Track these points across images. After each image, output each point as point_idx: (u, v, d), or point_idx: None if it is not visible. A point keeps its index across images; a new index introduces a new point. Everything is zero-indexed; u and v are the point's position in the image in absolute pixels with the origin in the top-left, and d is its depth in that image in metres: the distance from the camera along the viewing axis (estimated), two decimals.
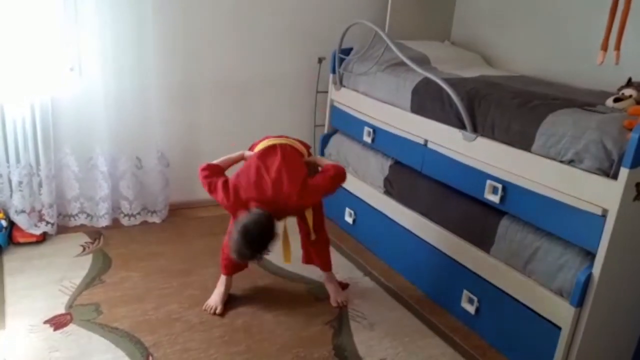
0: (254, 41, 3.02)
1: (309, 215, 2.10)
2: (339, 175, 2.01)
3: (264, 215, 1.80)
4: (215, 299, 2.17)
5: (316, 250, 2.26)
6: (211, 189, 1.93)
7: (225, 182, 1.91)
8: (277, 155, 1.97)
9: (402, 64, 2.50)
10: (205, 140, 3.06)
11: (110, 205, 2.76)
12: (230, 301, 2.20)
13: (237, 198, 1.87)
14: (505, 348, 2.02)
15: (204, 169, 1.97)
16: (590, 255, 1.71)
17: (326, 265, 2.30)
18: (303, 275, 2.45)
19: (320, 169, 2.09)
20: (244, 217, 1.79)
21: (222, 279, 2.22)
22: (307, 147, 2.21)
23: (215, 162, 2.03)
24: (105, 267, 2.41)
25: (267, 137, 2.13)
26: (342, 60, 2.92)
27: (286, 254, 2.12)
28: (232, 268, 2.21)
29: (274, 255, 2.59)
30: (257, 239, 1.78)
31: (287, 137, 2.15)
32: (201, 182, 1.96)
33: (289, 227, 2.10)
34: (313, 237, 2.13)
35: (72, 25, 2.52)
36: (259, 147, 2.06)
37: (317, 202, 2.14)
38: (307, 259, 2.32)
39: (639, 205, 1.65)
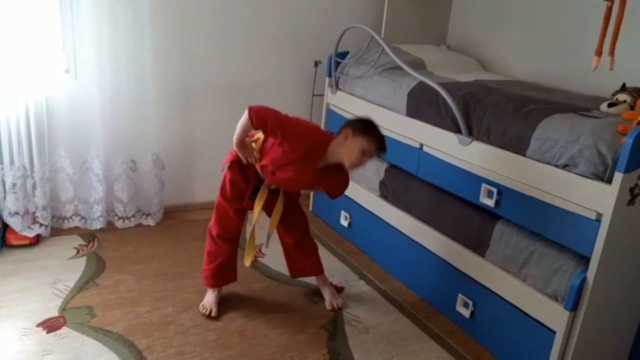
0: (251, 44, 3.02)
1: (279, 205, 2.08)
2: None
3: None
4: (209, 301, 2.16)
5: (304, 256, 2.26)
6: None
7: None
8: None
9: (398, 67, 2.50)
10: (201, 142, 3.06)
11: (105, 208, 2.75)
12: (225, 304, 2.20)
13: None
14: (500, 352, 2.02)
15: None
16: (585, 260, 1.72)
17: (318, 268, 2.30)
18: (298, 279, 2.44)
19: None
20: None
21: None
22: None
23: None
24: (99, 269, 2.40)
25: None
26: (338, 63, 2.93)
27: (248, 254, 2.13)
28: (217, 280, 2.17)
29: (269, 258, 2.60)
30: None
31: None
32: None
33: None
34: (270, 230, 2.10)
35: (68, 27, 2.51)
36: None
37: (294, 203, 2.16)
38: (295, 272, 2.32)
39: (633, 210, 1.66)
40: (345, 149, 1.85)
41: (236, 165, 2.04)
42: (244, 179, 2.06)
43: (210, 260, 2.17)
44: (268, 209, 2.12)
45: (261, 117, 1.84)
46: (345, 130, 1.86)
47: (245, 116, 1.86)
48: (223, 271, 2.18)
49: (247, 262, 2.15)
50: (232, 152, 2.03)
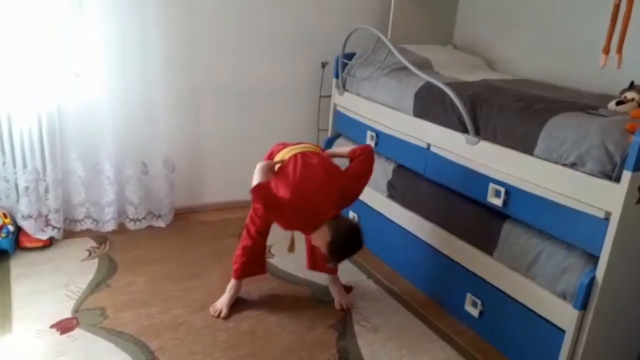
0: (258, 47, 3.04)
1: None
2: (367, 153, 2.09)
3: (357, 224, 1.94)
4: (222, 302, 2.18)
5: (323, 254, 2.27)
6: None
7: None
8: (314, 166, 1.96)
9: (405, 68, 2.51)
10: (210, 145, 3.08)
11: (116, 210, 2.78)
12: (235, 305, 2.21)
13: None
14: (509, 351, 2.02)
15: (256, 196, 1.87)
16: (594, 258, 1.71)
17: (333, 269, 2.31)
18: (307, 278, 2.46)
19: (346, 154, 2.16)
20: (341, 221, 1.88)
21: (232, 283, 2.23)
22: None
23: (258, 181, 1.89)
24: (111, 271, 2.43)
25: (284, 145, 2.10)
26: (345, 65, 2.94)
27: (291, 243, 2.15)
28: (245, 272, 2.22)
29: (278, 258, 2.62)
30: (358, 242, 1.88)
31: (303, 143, 2.13)
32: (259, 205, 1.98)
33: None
34: None
35: (79, 31, 2.54)
36: (281, 156, 2.02)
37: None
38: (312, 265, 2.34)
39: None
40: (319, 235, 1.88)
41: None
42: None
43: (244, 254, 2.19)
44: None
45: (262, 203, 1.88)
46: (326, 229, 1.85)
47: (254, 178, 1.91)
48: (253, 264, 2.22)
49: (291, 249, 2.16)
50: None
